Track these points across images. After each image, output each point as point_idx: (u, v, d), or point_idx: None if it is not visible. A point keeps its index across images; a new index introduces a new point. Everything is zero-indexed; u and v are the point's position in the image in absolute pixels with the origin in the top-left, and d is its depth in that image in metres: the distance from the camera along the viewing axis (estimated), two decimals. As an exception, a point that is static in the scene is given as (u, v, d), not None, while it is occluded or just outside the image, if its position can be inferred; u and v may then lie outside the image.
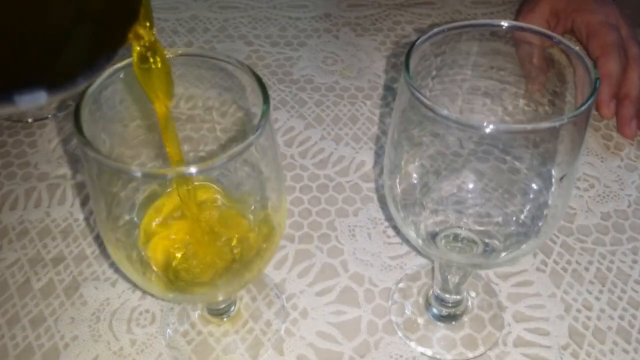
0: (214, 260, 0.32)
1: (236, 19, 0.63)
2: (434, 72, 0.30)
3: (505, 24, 0.28)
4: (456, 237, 0.33)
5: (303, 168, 0.48)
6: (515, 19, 0.58)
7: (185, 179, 0.27)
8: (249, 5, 0.65)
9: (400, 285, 0.39)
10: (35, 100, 0.17)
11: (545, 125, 0.24)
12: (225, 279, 0.31)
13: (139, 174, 0.23)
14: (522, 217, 0.31)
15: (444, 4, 0.65)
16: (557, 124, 0.24)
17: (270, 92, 0.54)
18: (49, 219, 0.44)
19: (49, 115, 0.52)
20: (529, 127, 0.25)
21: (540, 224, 0.30)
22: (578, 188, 0.45)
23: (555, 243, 0.41)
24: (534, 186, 0.31)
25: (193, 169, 0.23)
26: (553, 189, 0.29)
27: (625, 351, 0.36)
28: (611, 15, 0.51)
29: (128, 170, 0.23)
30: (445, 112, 0.24)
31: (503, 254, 0.31)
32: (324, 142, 0.50)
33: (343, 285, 0.40)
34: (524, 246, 0.30)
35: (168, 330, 0.38)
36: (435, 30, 0.28)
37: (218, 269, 0.32)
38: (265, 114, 0.25)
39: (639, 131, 0.48)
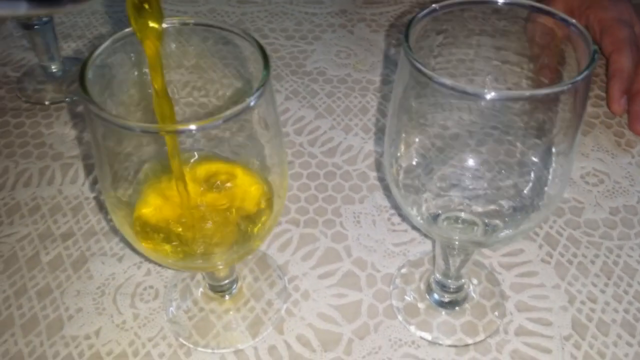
0: (215, 224, 0.32)
1: (253, 13, 0.64)
2: (435, 51, 0.31)
3: (500, 0, 0.28)
4: (457, 219, 0.33)
5: (311, 155, 0.48)
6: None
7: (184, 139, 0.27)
8: (266, 1, 0.66)
9: (403, 270, 0.39)
10: (14, 8, 0.17)
11: (543, 91, 0.24)
12: (225, 246, 0.32)
13: (138, 130, 0.24)
14: (523, 194, 0.31)
15: (459, 3, 0.65)
16: (556, 89, 0.24)
17: (282, 83, 0.55)
18: (61, 196, 0.45)
19: (67, 99, 0.54)
20: (527, 93, 0.24)
21: (540, 201, 0.30)
22: (587, 183, 0.45)
23: (561, 235, 0.41)
24: (534, 163, 0.31)
25: (192, 126, 0.24)
26: (553, 164, 0.29)
27: (629, 344, 0.35)
28: (625, 12, 0.51)
29: (128, 126, 0.24)
30: (443, 79, 0.24)
31: (504, 232, 0.31)
32: (333, 131, 0.50)
33: (346, 270, 0.40)
34: (524, 224, 0.30)
35: (171, 306, 0.38)
36: (435, 5, 0.28)
37: (219, 234, 0.32)
38: (264, 79, 0.26)
39: None
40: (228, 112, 0.25)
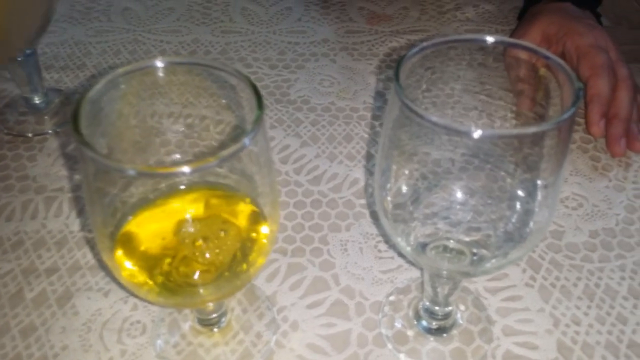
0: (205, 262, 0.32)
1: (237, 43, 0.65)
2: (424, 86, 0.32)
3: (491, 38, 0.30)
4: (445, 249, 0.34)
5: (297, 184, 0.48)
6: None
7: (177, 182, 0.28)
8: (249, 31, 0.67)
9: (391, 298, 0.40)
10: None
11: (531, 130, 0.25)
12: (214, 283, 0.32)
13: (132, 172, 0.24)
14: (510, 226, 0.32)
15: (438, 31, 0.67)
16: (542, 128, 0.25)
17: (267, 112, 0.55)
18: (45, 230, 0.45)
19: (50, 131, 0.53)
20: (515, 131, 0.25)
21: (527, 233, 0.31)
22: (567, 207, 0.46)
23: (544, 259, 0.42)
24: (521, 196, 0.32)
25: (186, 169, 0.24)
26: (539, 198, 0.30)
27: (614, 366, 0.36)
28: (600, 39, 0.53)
29: (121, 168, 0.24)
30: (433, 117, 0.25)
31: (491, 262, 0.31)
32: (318, 159, 0.51)
33: (334, 299, 0.40)
34: (511, 254, 0.30)
35: (158, 340, 0.38)
36: (425, 44, 0.29)
37: (210, 272, 0.32)
38: (258, 119, 0.26)
39: (627, 150, 0.49)
40: (223, 153, 0.25)
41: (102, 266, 0.42)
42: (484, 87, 0.32)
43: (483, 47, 0.30)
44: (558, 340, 0.37)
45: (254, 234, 0.33)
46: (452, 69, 0.31)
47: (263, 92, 0.57)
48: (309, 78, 0.60)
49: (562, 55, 0.55)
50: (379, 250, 0.43)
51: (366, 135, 0.53)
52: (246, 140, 0.25)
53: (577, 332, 0.37)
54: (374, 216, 0.46)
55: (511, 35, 0.61)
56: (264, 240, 0.32)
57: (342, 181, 0.49)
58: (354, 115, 0.55)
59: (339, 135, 0.53)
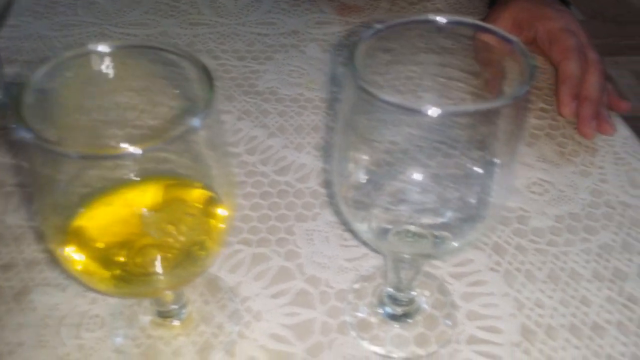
0: (162, 251, 0.32)
1: (205, 35, 0.64)
2: (382, 69, 0.31)
3: (443, 19, 0.29)
4: (407, 233, 0.33)
5: (264, 175, 0.48)
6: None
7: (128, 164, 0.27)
8: (218, 22, 0.66)
9: (355, 286, 0.39)
10: None
11: (485, 106, 0.24)
12: (172, 271, 0.31)
13: (75, 155, 0.23)
14: (469, 205, 0.32)
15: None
16: (497, 104, 0.24)
17: (234, 104, 0.55)
18: (3, 225, 0.44)
19: (10, 126, 0.52)
20: (471, 108, 0.25)
21: (485, 211, 0.31)
22: (533, 192, 0.46)
23: (509, 244, 0.42)
24: (478, 174, 0.31)
25: (135, 150, 0.24)
26: (495, 177, 0.29)
27: (577, 347, 0.36)
28: (571, 23, 0.53)
29: (64, 152, 0.23)
30: (388, 97, 0.25)
31: (452, 244, 0.31)
32: (286, 150, 0.50)
33: (299, 288, 0.40)
34: (470, 234, 0.30)
35: (117, 334, 0.37)
36: (379, 25, 0.29)
37: (167, 260, 0.31)
38: (209, 100, 0.26)
39: (597, 132, 0.50)
40: (171, 134, 0.24)
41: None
42: (444, 69, 0.32)
43: (442, 27, 0.30)
44: (522, 323, 0.37)
45: (210, 220, 0.32)
46: (412, 51, 0.31)
47: (231, 84, 0.57)
48: (278, 69, 0.59)
49: (534, 40, 0.56)
50: (345, 239, 0.43)
51: (334, 126, 0.52)
52: (195, 122, 0.25)
53: (541, 315, 0.37)
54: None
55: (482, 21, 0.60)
56: (221, 225, 0.32)
57: (310, 171, 0.48)
58: (322, 105, 0.55)
59: (307, 126, 0.53)
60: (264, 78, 0.58)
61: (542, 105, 0.54)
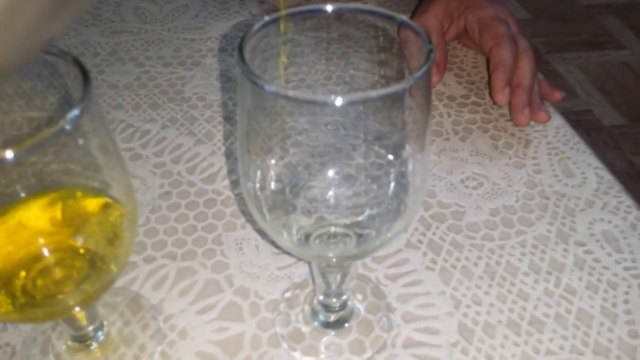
0: (61, 266, 0.29)
1: (128, 42, 0.61)
2: (286, 61, 0.29)
3: (330, 7, 0.28)
4: (329, 235, 0.31)
5: (190, 184, 0.45)
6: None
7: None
8: (142, 29, 0.63)
9: (287, 294, 0.37)
10: None
11: (387, 90, 0.23)
12: (78, 288, 0.28)
13: None
14: (388, 199, 0.30)
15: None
16: (396, 88, 0.23)
17: (159, 111, 0.52)
18: None
19: None
20: (374, 94, 0.23)
21: (404, 204, 0.29)
22: (467, 187, 0.45)
23: (444, 241, 0.40)
24: (394, 167, 0.30)
25: (9, 154, 0.21)
26: (410, 165, 0.28)
27: (516, 344, 0.35)
28: (501, 11, 0.53)
29: None
30: (277, 90, 0.23)
31: (375, 241, 0.29)
32: (214, 157, 0.48)
33: (227, 301, 0.37)
34: (393, 228, 0.29)
35: (28, 364, 0.34)
36: (267, 17, 0.27)
37: (71, 277, 0.29)
38: (83, 98, 0.23)
39: (531, 120, 0.49)
40: (43, 136, 0.22)
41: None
42: (349, 59, 0.31)
43: (341, 16, 0.28)
44: (459, 322, 0.36)
45: (113, 227, 0.29)
46: (313, 41, 0.29)
47: (155, 91, 0.54)
48: (206, 74, 0.57)
49: (464, 29, 0.55)
50: (277, 246, 0.41)
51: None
52: (68, 122, 0.22)
53: (478, 313, 0.36)
54: (272, 211, 0.43)
55: (413, 13, 0.60)
56: (125, 231, 0.29)
57: (239, 178, 0.46)
58: (253, 109, 0.53)
59: (236, 131, 0.50)
60: (190, 84, 0.55)
61: (474, 99, 0.53)
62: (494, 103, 0.51)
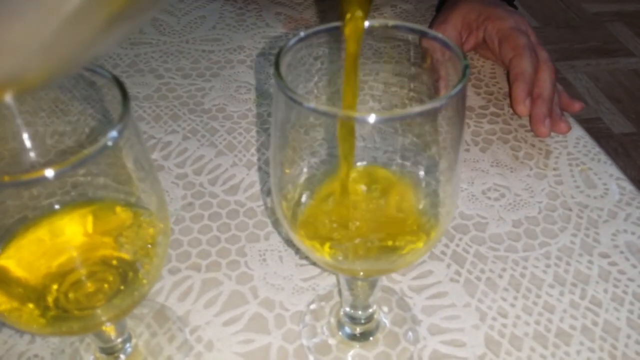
0: (93, 279, 0.29)
1: (147, 54, 0.62)
2: (316, 76, 0.30)
3: (367, 22, 0.28)
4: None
5: (212, 195, 0.46)
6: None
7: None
8: (160, 41, 0.64)
9: (312, 306, 0.37)
10: None
11: (420, 108, 0.23)
12: (109, 302, 0.29)
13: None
14: (419, 216, 0.30)
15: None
16: (431, 106, 0.23)
17: (179, 122, 0.52)
18: None
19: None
20: (407, 112, 0.24)
21: (435, 217, 0.29)
22: (489, 198, 0.45)
23: (468, 253, 0.40)
24: (424, 181, 0.30)
25: (47, 173, 0.21)
26: (441, 181, 0.28)
27: (543, 357, 0.35)
28: (520, 23, 0.54)
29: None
30: (314, 106, 0.23)
31: (405, 254, 0.30)
32: (235, 168, 0.48)
33: (252, 312, 0.37)
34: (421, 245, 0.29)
35: (56, 376, 0.34)
36: (302, 33, 0.27)
37: (102, 292, 0.29)
38: (123, 115, 0.23)
39: (552, 131, 0.49)
40: (85, 154, 0.22)
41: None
42: (379, 74, 0.31)
43: (371, 31, 0.29)
44: (485, 334, 0.36)
45: (146, 241, 0.29)
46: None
47: (175, 103, 0.54)
48: (225, 86, 0.57)
49: (484, 41, 0.55)
50: (300, 257, 0.41)
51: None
52: (109, 139, 0.22)
53: (504, 325, 0.36)
54: (294, 222, 0.43)
55: (431, 23, 0.60)
56: (158, 245, 0.29)
57: (261, 188, 0.46)
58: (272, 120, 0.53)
59: (256, 142, 0.51)
60: (210, 95, 0.56)
61: (493, 109, 0.54)
62: (515, 114, 0.51)
